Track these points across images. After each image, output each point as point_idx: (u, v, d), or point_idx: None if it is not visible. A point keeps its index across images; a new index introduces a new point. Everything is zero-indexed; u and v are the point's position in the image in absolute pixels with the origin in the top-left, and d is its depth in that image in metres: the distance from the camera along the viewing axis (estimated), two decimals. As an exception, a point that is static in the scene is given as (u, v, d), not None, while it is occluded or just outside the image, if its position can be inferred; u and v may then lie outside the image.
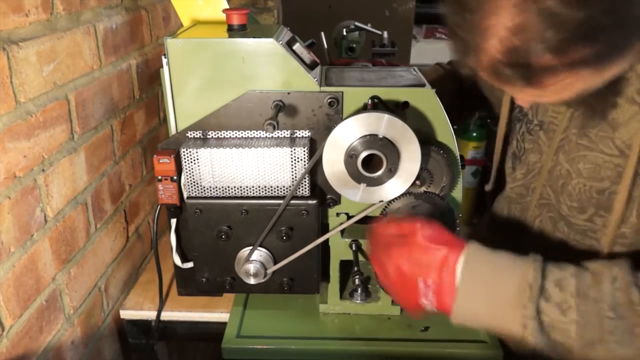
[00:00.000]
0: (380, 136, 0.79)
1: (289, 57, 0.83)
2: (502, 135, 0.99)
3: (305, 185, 0.87)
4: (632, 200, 0.76)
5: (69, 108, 0.89)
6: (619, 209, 0.76)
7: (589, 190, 0.80)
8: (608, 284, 0.66)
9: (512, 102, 0.95)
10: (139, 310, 1.06)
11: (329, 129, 0.81)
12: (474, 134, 1.76)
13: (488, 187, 1.05)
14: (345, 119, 0.80)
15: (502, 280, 0.69)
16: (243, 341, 0.94)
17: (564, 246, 0.86)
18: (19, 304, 0.78)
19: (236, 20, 0.87)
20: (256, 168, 0.86)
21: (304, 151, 0.85)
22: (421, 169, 0.83)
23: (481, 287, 0.70)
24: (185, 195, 0.89)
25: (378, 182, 0.81)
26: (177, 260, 0.96)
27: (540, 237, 0.90)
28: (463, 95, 1.12)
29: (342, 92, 0.85)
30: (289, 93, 0.85)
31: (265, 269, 0.91)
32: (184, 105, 0.87)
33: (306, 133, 0.88)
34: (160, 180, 0.87)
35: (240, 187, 0.88)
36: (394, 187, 0.82)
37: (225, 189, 0.88)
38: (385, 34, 1.34)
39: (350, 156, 0.80)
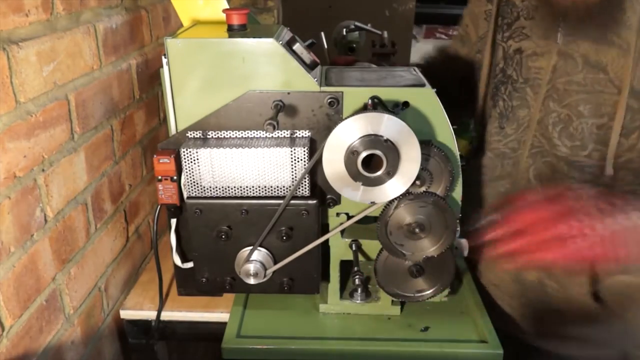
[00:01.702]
0: (380, 136, 0.79)
1: (289, 57, 0.83)
2: (482, 94, 1.08)
3: (305, 185, 0.87)
4: (630, 133, 0.89)
5: (69, 108, 0.89)
6: (615, 139, 0.89)
7: (590, 127, 0.91)
8: None
9: (490, 69, 1.06)
10: (139, 310, 1.06)
11: (329, 129, 0.81)
12: (474, 134, 1.75)
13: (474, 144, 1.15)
14: (345, 119, 0.80)
15: None
16: (243, 341, 0.94)
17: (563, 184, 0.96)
18: (19, 304, 0.78)
19: (236, 20, 0.87)
20: (256, 168, 0.86)
21: (304, 151, 0.85)
22: (421, 169, 0.83)
23: None
24: (185, 195, 0.89)
25: (378, 182, 0.81)
26: (177, 260, 0.96)
27: (538, 183, 1.00)
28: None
29: (342, 92, 0.85)
30: (289, 93, 0.85)
31: (265, 269, 0.91)
32: (184, 105, 0.87)
33: (306, 133, 0.88)
34: (160, 180, 0.87)
35: (240, 187, 0.88)
36: (394, 187, 0.82)
37: (225, 189, 0.88)
38: (385, 34, 1.34)
39: (350, 156, 0.80)
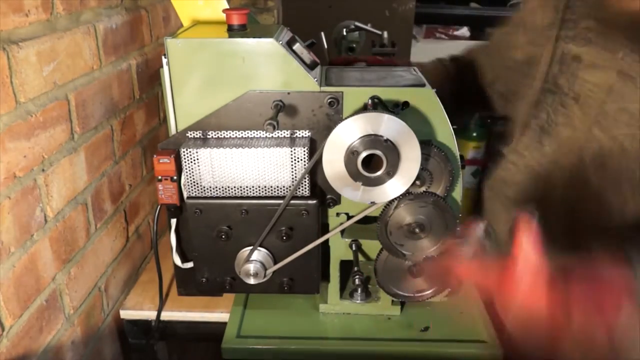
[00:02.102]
0: (380, 136, 0.79)
1: (289, 57, 0.83)
2: (532, 100, 0.93)
3: (305, 185, 0.87)
4: None
5: (69, 108, 0.89)
6: None
7: (625, 170, 0.76)
8: None
9: (545, 75, 0.91)
10: (139, 310, 1.06)
11: (329, 129, 0.81)
12: (474, 134, 1.76)
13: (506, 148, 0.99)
14: (345, 119, 0.80)
15: None
16: (243, 341, 0.94)
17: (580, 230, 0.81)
18: (19, 304, 0.78)
19: (236, 20, 0.87)
20: (256, 168, 0.86)
21: (304, 151, 0.85)
22: (421, 169, 0.83)
23: None
24: (185, 195, 0.89)
25: (378, 182, 0.81)
26: (177, 260, 0.96)
27: (567, 211, 0.85)
28: (461, 94, 1.11)
29: (342, 92, 0.85)
30: (289, 93, 0.85)
31: (265, 269, 0.91)
32: (184, 105, 0.87)
33: (306, 133, 0.88)
34: (160, 180, 0.87)
35: (240, 187, 0.88)
36: (394, 187, 0.82)
37: (225, 189, 0.88)
38: (385, 34, 1.35)
39: (350, 156, 0.80)
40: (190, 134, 0.88)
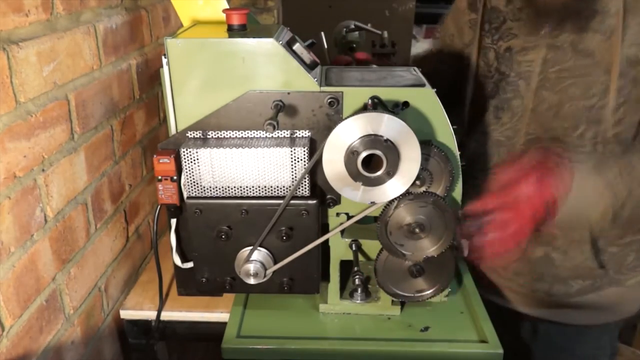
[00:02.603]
0: (380, 136, 0.79)
1: (289, 57, 0.83)
2: (471, 94, 1.16)
3: (305, 185, 0.87)
4: (617, 109, 0.98)
5: (69, 108, 0.89)
6: (610, 116, 0.97)
7: (580, 109, 0.99)
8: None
9: (478, 69, 1.14)
10: (139, 310, 1.06)
11: (329, 129, 0.81)
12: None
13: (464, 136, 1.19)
14: (345, 119, 0.80)
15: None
16: (243, 341, 0.94)
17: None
18: (19, 304, 0.78)
19: (236, 20, 0.87)
20: (256, 168, 0.86)
21: (304, 151, 0.85)
22: (421, 169, 0.83)
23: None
24: (185, 195, 0.89)
25: (378, 182, 0.81)
26: (177, 260, 0.96)
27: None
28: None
29: (342, 92, 0.85)
30: (289, 93, 0.85)
31: (265, 269, 0.91)
32: (184, 105, 0.87)
33: (306, 133, 0.88)
34: (160, 180, 0.87)
35: (240, 187, 0.88)
36: (394, 187, 0.82)
37: (225, 189, 0.88)
38: (385, 34, 1.35)
39: (350, 156, 0.80)
40: (190, 134, 0.88)
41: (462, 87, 1.19)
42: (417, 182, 0.86)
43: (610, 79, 0.96)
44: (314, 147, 0.87)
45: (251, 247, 0.90)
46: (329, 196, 0.91)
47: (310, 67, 0.86)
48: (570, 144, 1.02)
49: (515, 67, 1.07)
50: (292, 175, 0.87)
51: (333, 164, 0.81)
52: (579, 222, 1.02)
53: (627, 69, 0.95)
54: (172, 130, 0.89)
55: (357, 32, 1.36)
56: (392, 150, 0.79)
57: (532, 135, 1.06)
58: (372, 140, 0.79)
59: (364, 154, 0.79)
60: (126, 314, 1.07)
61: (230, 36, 0.85)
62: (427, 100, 0.86)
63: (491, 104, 1.12)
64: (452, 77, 1.21)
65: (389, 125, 0.78)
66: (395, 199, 0.85)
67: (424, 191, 0.87)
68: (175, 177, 0.87)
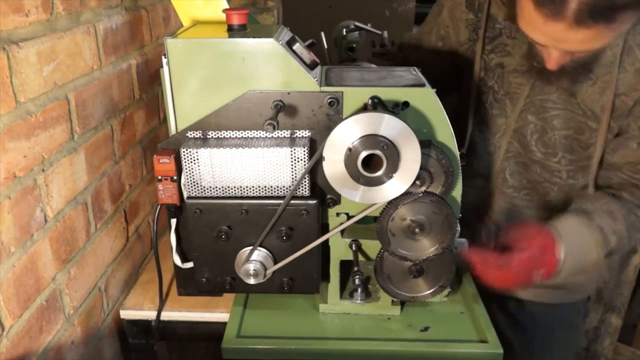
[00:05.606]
0: (380, 136, 0.79)
1: (289, 57, 0.83)
2: (472, 104, 1.17)
3: (305, 185, 0.87)
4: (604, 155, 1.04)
5: (69, 108, 0.89)
6: (597, 155, 1.04)
7: (560, 138, 1.05)
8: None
9: (478, 79, 1.14)
10: (139, 310, 1.06)
11: (329, 129, 0.81)
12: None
13: (464, 150, 1.20)
14: (345, 119, 0.80)
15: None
16: (243, 341, 0.94)
17: (534, 183, 1.12)
18: (19, 304, 0.78)
19: (236, 20, 0.87)
20: (256, 168, 0.86)
21: (304, 151, 0.85)
22: (421, 169, 0.83)
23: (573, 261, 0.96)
24: (185, 195, 0.89)
25: (378, 182, 0.81)
26: (177, 260, 0.96)
27: (513, 180, 1.14)
28: None
29: (342, 92, 0.85)
30: (289, 93, 0.85)
31: (265, 269, 0.91)
32: (184, 105, 0.87)
33: (306, 133, 0.88)
34: (160, 180, 0.88)
35: (240, 187, 0.88)
36: (394, 187, 0.82)
37: (225, 189, 0.88)
38: (385, 34, 1.35)
39: (350, 156, 0.80)
40: (190, 134, 0.88)
41: (459, 85, 1.18)
42: (417, 182, 0.86)
43: (599, 125, 1.01)
44: (314, 147, 0.87)
45: (251, 247, 0.90)
46: (329, 196, 0.91)
47: (310, 67, 0.86)
48: (548, 167, 1.08)
49: (505, 85, 1.08)
50: (292, 175, 0.87)
51: (333, 164, 0.81)
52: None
53: (614, 113, 0.99)
54: (172, 130, 0.89)
55: (357, 32, 1.36)
56: (392, 150, 0.79)
57: (513, 153, 1.11)
58: (372, 140, 0.79)
59: (364, 154, 0.79)
60: (126, 314, 1.07)
61: (230, 36, 0.85)
62: (427, 100, 0.86)
63: (476, 117, 1.13)
64: (446, 70, 1.19)
65: (389, 125, 0.78)
66: (395, 199, 0.85)
67: (424, 191, 0.87)
68: (175, 177, 0.87)
